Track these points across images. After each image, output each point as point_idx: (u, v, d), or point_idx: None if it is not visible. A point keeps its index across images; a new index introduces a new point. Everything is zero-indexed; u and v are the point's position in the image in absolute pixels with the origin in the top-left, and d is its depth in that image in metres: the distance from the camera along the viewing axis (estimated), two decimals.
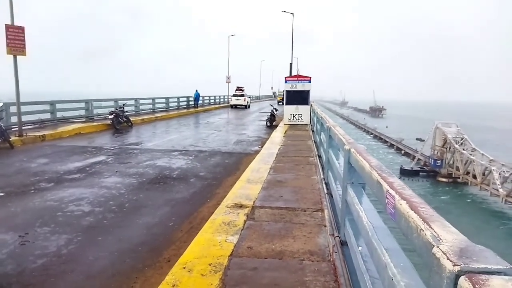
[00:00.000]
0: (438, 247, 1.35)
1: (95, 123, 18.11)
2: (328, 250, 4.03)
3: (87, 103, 19.81)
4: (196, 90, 36.76)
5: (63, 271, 4.05)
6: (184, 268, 3.60)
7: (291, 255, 3.87)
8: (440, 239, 1.43)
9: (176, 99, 33.25)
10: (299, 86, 20.84)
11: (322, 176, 7.58)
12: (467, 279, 1.10)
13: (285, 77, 21.78)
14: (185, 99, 35.29)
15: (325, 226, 4.78)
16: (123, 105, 19.80)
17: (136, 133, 16.84)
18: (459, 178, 42.53)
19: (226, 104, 46.03)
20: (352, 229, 3.64)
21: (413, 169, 48.48)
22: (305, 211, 5.45)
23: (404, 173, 47.41)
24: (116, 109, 18.56)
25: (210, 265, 3.65)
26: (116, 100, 20.99)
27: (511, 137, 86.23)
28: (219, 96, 49.05)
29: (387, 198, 2.19)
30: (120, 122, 18.10)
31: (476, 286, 1.05)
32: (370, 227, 2.74)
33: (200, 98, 38.15)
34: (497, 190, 34.89)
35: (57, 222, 5.48)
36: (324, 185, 6.84)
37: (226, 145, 13.84)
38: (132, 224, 5.55)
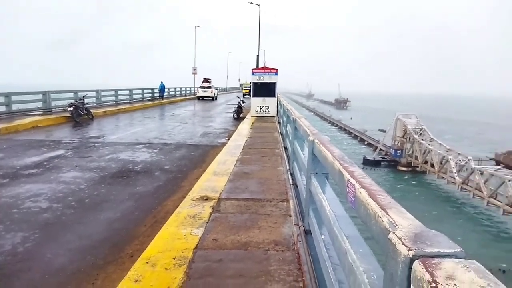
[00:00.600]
0: (394, 233, 1.38)
1: (53, 116, 17.29)
2: (293, 239, 4.08)
3: (45, 95, 18.85)
4: (161, 82, 35.95)
5: (19, 270, 3.85)
6: (147, 263, 3.52)
7: (257, 246, 3.89)
8: (396, 225, 1.47)
9: (141, 91, 32.36)
10: (266, 78, 20.86)
11: (288, 167, 7.65)
12: (420, 263, 1.12)
13: (252, 69, 21.71)
14: (149, 91, 34.42)
15: (290, 216, 4.83)
16: (83, 96, 18.99)
17: (97, 126, 16.25)
18: (418, 167, 44.47)
19: (192, 96, 45.35)
20: (315, 218, 3.70)
21: (375, 159, 50.17)
22: (270, 202, 5.48)
23: (367, 163, 48.95)
24: (76, 101, 17.79)
25: (174, 258, 3.59)
26: (75, 92, 20.10)
27: (468, 128, 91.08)
28: (186, 88, 48.24)
29: (348, 187, 2.22)
30: (80, 114, 17.38)
31: (429, 269, 1.06)
32: (332, 216, 2.79)
33: (166, 90, 37.33)
34: (454, 178, 36.82)
35: (13, 220, 5.20)
36: (289, 176, 6.91)
37: (192, 137, 13.66)
38: (93, 219, 5.36)
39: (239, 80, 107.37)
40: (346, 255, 2.18)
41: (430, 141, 42.59)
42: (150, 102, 30.75)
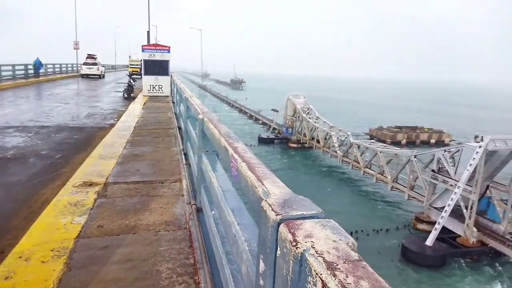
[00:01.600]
0: (266, 200, 1.46)
1: None
2: (185, 218, 4.07)
3: None
4: (37, 58, 31.62)
5: None
6: (20, 257, 3.16)
7: (147, 228, 3.78)
8: (269, 193, 1.56)
9: (11, 67, 28.04)
10: (158, 56, 19.96)
11: (182, 147, 7.54)
12: (285, 225, 1.21)
13: (142, 46, 20.53)
14: (22, 67, 30.02)
15: (183, 195, 4.80)
16: None
17: None
18: (306, 143, 48.28)
19: (76, 74, 41.03)
20: (206, 195, 3.74)
21: (269, 137, 52.83)
22: (162, 183, 5.36)
23: (262, 141, 51.31)
24: None
25: (52, 250, 3.28)
26: None
27: (349, 107, 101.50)
28: (67, 65, 43.36)
29: (232, 162, 2.29)
30: None
31: (291, 230, 1.16)
32: (220, 191, 2.86)
33: (43, 67, 32.99)
34: (336, 152, 40.99)
35: None
36: (183, 156, 6.83)
37: (75, 119, 12.44)
38: None
39: (130, 57, 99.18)
40: (231, 227, 2.26)
41: (316, 119, 46.41)
42: (23, 80, 26.90)
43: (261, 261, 1.43)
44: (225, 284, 2.49)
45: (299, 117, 49.22)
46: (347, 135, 39.45)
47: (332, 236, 1.17)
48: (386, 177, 32.06)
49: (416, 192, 29.08)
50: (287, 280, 1.11)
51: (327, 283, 0.88)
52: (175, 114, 12.54)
